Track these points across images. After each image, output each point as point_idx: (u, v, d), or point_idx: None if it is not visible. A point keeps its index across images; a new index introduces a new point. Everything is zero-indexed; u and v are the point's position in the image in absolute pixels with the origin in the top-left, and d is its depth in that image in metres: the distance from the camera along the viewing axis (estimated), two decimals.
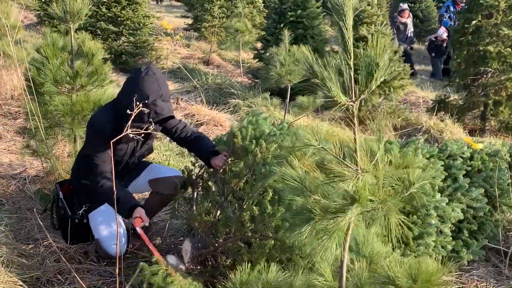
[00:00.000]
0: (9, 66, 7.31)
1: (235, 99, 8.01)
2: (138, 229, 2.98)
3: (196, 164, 3.66)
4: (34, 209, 3.88)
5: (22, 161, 4.95)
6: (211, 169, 3.41)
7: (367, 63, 1.50)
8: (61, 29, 3.95)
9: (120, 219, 3.42)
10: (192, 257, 3.04)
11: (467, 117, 8.25)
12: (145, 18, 10.64)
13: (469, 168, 3.99)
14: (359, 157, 1.59)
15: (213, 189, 3.40)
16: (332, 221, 1.59)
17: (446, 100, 8.24)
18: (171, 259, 2.97)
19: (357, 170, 1.58)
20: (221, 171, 3.27)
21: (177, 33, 14.81)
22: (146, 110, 2.80)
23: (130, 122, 2.35)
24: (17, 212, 3.93)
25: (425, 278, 1.77)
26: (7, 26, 6.32)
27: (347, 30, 1.55)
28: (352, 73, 1.57)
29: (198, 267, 3.03)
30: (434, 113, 7.97)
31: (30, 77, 3.86)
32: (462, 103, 8.05)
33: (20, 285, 3.02)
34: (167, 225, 3.95)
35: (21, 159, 4.98)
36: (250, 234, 2.85)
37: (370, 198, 1.61)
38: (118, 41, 10.27)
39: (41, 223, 3.71)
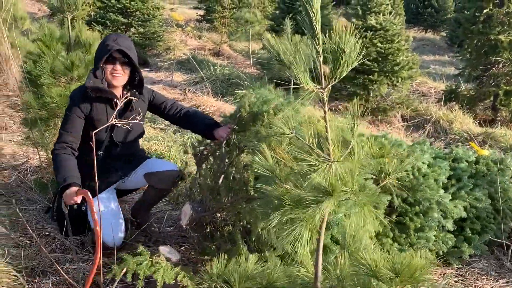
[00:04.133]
0: (17, 57, 7.35)
1: (242, 90, 7.97)
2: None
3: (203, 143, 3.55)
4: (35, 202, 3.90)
5: (25, 152, 4.99)
6: (213, 143, 3.34)
7: (333, 49, 1.45)
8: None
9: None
10: (191, 220, 2.99)
11: (478, 108, 8.10)
12: (154, 9, 10.62)
13: (474, 172, 3.94)
14: (330, 146, 1.55)
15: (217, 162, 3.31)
16: (304, 212, 1.55)
17: (457, 91, 8.10)
18: (163, 250, 2.96)
19: (328, 159, 1.53)
20: (224, 142, 3.21)
21: (189, 24, 14.81)
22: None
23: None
24: (16, 202, 3.94)
25: (409, 273, 1.72)
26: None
27: (314, 14, 1.50)
28: (321, 59, 1.53)
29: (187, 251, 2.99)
30: (444, 104, 7.83)
31: (26, 69, 3.87)
32: (473, 93, 7.89)
33: (14, 275, 3.03)
34: (165, 216, 3.95)
35: (24, 150, 5.01)
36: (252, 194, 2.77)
37: (343, 189, 1.56)
38: (128, 33, 10.27)
39: (40, 214, 3.76)
